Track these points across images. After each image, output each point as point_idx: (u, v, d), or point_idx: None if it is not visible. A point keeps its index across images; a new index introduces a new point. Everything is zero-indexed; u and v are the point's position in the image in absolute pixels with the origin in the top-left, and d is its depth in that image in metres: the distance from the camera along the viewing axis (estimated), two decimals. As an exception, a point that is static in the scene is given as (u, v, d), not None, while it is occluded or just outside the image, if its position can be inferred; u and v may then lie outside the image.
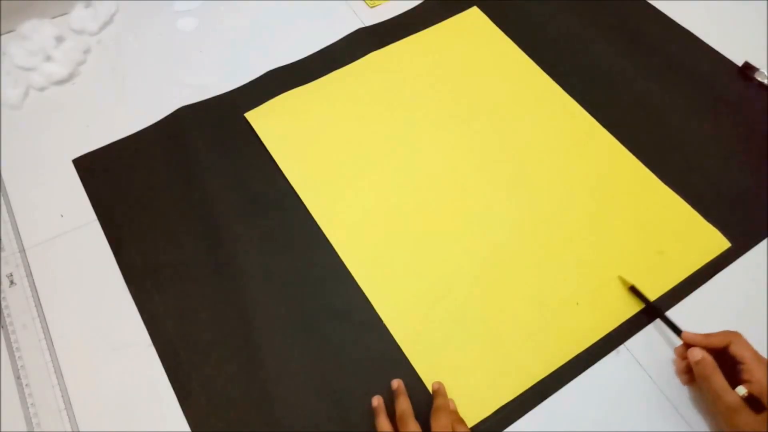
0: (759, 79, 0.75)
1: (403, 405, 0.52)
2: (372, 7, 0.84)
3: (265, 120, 0.72)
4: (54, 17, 0.81)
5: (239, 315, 0.59)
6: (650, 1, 0.84)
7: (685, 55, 0.78)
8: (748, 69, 0.75)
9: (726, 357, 0.51)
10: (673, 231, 0.64)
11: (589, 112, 0.72)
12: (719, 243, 0.63)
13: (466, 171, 0.68)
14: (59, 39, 0.78)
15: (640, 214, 0.65)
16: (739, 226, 0.64)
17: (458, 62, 0.78)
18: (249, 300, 0.60)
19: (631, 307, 0.59)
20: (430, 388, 0.55)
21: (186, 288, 0.60)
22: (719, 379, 0.50)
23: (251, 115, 0.73)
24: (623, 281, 0.60)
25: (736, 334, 0.52)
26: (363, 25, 0.82)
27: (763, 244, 0.63)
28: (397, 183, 0.67)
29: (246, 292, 0.60)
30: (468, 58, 0.78)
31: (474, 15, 0.82)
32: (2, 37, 0.79)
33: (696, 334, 0.53)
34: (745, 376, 0.49)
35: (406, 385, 0.55)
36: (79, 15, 0.81)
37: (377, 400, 0.54)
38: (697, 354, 0.52)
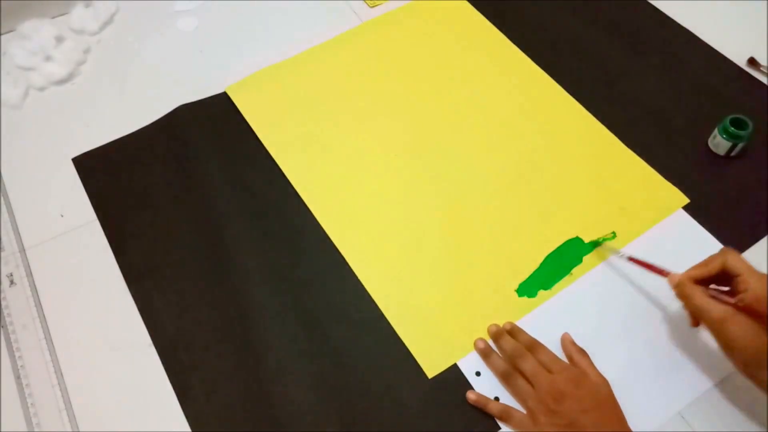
0: (760, 78, 0.75)
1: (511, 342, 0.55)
2: (372, 7, 0.84)
3: (247, 94, 0.74)
4: (54, 17, 0.81)
5: (239, 314, 0.59)
6: (649, 0, 0.84)
7: (684, 54, 0.78)
8: (752, 64, 0.76)
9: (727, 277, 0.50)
10: (633, 190, 0.66)
11: (589, 110, 0.73)
12: (678, 199, 0.65)
13: (442, 137, 0.71)
14: (59, 39, 0.78)
15: (602, 174, 0.67)
16: (739, 225, 0.64)
17: (435, 38, 0.80)
18: (249, 299, 0.60)
19: (594, 260, 0.61)
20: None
21: (186, 288, 0.60)
22: (700, 296, 0.49)
23: (232, 89, 0.74)
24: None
25: (728, 250, 0.51)
26: (363, 25, 0.82)
27: (762, 243, 0.63)
28: (373, 149, 0.70)
29: (246, 291, 0.60)
30: (442, 34, 0.80)
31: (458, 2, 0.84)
32: (2, 37, 0.79)
33: (692, 269, 0.52)
34: (741, 287, 0.49)
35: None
36: (79, 15, 0.81)
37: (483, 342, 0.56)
38: (673, 279, 0.52)
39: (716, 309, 0.48)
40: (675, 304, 0.58)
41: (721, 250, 0.51)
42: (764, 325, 0.47)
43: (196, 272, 0.61)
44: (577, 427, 0.48)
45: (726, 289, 0.50)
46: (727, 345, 0.48)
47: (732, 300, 0.48)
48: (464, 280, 0.60)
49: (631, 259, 0.58)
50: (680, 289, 0.51)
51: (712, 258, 0.51)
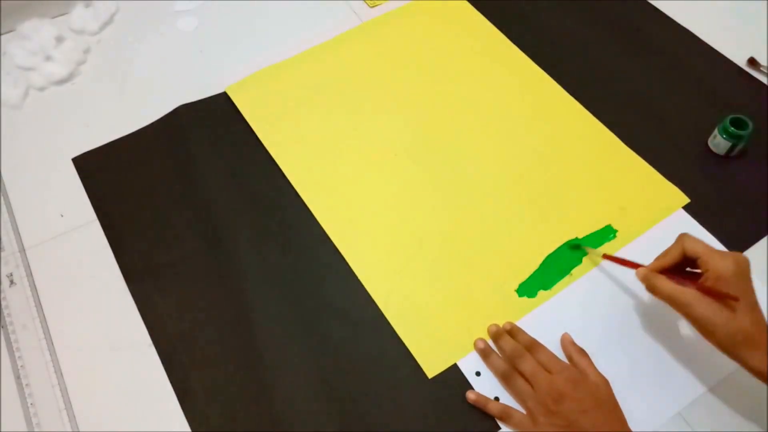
0: (760, 78, 0.75)
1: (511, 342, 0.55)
2: (372, 7, 0.84)
3: (247, 94, 0.74)
4: (54, 17, 0.81)
5: (239, 314, 0.59)
6: (649, 0, 0.84)
7: (684, 54, 0.78)
8: (752, 64, 0.76)
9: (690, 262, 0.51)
10: (634, 190, 0.66)
11: (589, 109, 0.73)
12: (678, 198, 0.65)
13: (442, 137, 0.71)
14: (59, 39, 0.78)
15: (603, 173, 0.67)
16: (739, 225, 0.64)
17: (435, 38, 0.80)
18: (249, 299, 0.60)
19: (595, 263, 0.61)
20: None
21: (186, 287, 0.60)
22: (665, 284, 0.50)
23: (232, 89, 0.74)
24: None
25: (684, 235, 0.52)
26: (363, 25, 0.82)
27: (762, 243, 0.63)
28: (373, 149, 0.70)
29: (246, 291, 0.60)
30: (442, 34, 0.81)
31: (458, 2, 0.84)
32: (2, 37, 0.79)
33: (654, 261, 0.53)
34: (703, 268, 0.49)
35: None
36: (79, 15, 0.81)
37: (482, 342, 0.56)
38: (639, 272, 0.52)
39: (682, 294, 0.49)
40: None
41: (678, 237, 0.52)
42: (727, 305, 0.47)
43: (196, 272, 0.61)
44: (576, 428, 0.49)
45: (699, 271, 0.51)
46: (698, 327, 0.49)
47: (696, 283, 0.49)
48: (464, 280, 0.60)
49: (605, 257, 0.59)
50: (647, 282, 0.52)
51: (671, 247, 0.52)
